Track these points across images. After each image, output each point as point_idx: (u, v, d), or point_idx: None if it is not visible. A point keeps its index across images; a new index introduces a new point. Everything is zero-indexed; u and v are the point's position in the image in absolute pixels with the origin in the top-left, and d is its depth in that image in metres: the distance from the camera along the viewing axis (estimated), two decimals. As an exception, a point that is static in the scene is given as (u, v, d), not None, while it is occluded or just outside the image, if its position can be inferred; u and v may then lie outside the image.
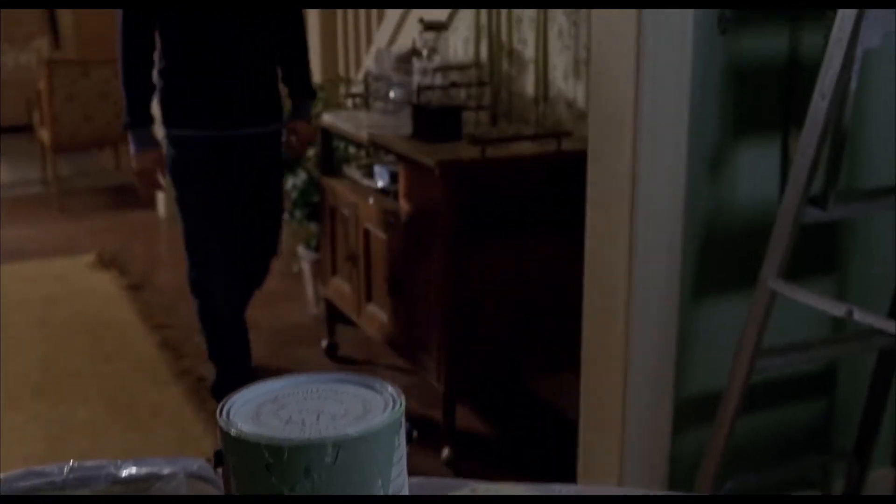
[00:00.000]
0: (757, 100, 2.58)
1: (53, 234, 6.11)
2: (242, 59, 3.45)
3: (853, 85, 2.23)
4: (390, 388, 0.72)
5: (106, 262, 5.45)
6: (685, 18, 2.45)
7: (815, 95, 2.23)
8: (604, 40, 2.62)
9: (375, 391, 0.71)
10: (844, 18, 2.18)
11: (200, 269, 3.58)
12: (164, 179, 3.57)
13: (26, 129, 7.96)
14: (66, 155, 7.24)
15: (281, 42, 3.63)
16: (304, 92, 3.77)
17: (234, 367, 3.58)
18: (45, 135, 6.73)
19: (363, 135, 3.66)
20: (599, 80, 2.64)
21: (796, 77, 2.58)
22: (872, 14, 2.21)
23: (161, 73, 3.45)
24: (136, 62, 3.37)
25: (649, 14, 2.43)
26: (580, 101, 3.40)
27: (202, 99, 3.43)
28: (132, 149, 3.47)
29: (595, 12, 2.68)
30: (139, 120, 3.42)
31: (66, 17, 9.27)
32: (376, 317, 3.75)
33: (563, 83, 3.48)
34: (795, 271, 2.37)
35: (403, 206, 3.47)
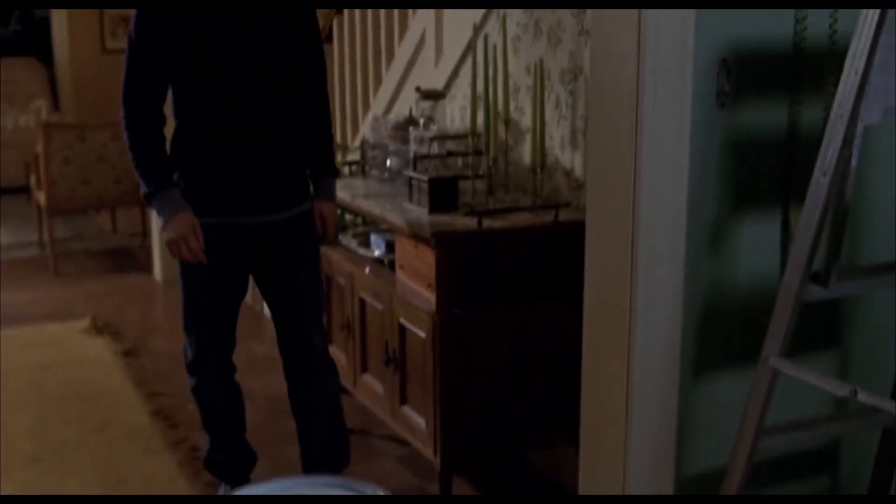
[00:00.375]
0: (756, 173, 2.55)
1: (48, 298, 6.07)
2: (261, 130, 3.03)
3: (854, 162, 2.20)
4: (379, 492, 0.67)
5: (100, 328, 5.40)
6: (684, 92, 2.43)
7: (816, 172, 2.20)
8: (601, 112, 2.60)
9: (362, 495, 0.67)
10: (844, 94, 2.16)
11: (197, 352, 3.23)
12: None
13: (25, 191, 7.95)
14: (63, 217, 7.22)
15: (303, 112, 3.18)
16: (328, 169, 3.30)
17: (227, 439, 3.50)
18: (41, 198, 6.72)
19: (358, 204, 3.64)
20: (597, 152, 2.62)
21: (796, 150, 2.56)
22: (872, 90, 2.19)
23: (172, 149, 3.05)
24: (147, 119, 2.97)
25: (648, 86, 2.41)
26: (578, 171, 3.38)
27: (216, 178, 3.03)
28: (160, 219, 3.01)
29: (592, 83, 2.66)
30: (161, 184, 2.98)
31: (65, 78, 9.31)
32: (372, 387, 3.70)
33: (561, 153, 3.46)
34: (797, 345, 2.33)
35: (400, 276, 3.43)
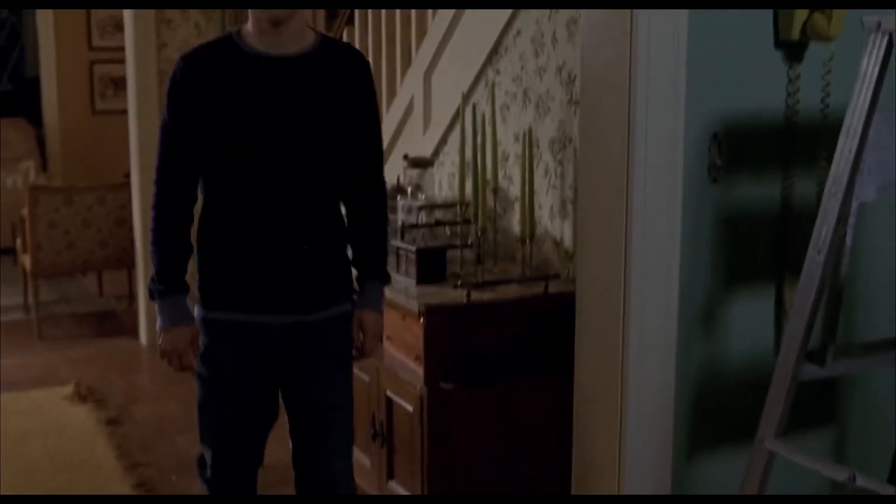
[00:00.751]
0: (749, 248, 2.51)
1: (32, 363, 5.98)
2: (298, 217, 2.63)
3: (849, 240, 2.17)
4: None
5: (83, 395, 5.30)
6: (675, 166, 2.40)
7: (811, 251, 2.16)
8: (591, 186, 2.56)
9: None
10: (838, 172, 2.12)
11: (216, 470, 2.78)
12: (196, 361, 2.72)
13: (11, 252, 7.88)
14: (49, 279, 7.14)
15: (352, 202, 2.78)
16: (376, 272, 2.80)
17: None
18: (26, 261, 6.64)
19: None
20: (587, 227, 2.58)
21: (789, 225, 2.52)
22: (867, 167, 2.16)
23: (198, 235, 2.69)
24: (173, 216, 2.65)
25: (639, 161, 2.38)
26: (567, 241, 3.33)
27: (239, 268, 2.65)
28: (160, 323, 2.68)
29: (582, 155, 2.62)
30: (172, 287, 2.65)
31: (54, 139, 9.27)
32: (359, 460, 3.62)
33: (550, 222, 3.42)
34: (793, 423, 2.27)
35: (387, 347, 3.37)
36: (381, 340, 2.88)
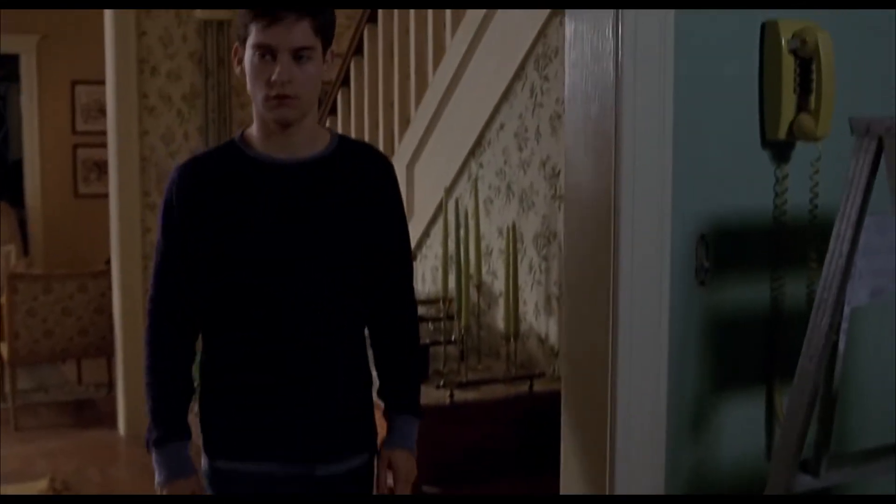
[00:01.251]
0: (739, 352, 2.45)
1: (7, 456, 5.85)
2: (318, 350, 2.30)
3: (842, 347, 2.10)
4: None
5: (58, 489, 5.18)
6: (662, 268, 2.34)
7: (802, 359, 2.10)
8: (577, 288, 2.50)
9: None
10: (829, 277, 2.06)
11: None
12: None
13: (-11, 338, 7.77)
14: (27, 367, 7.03)
15: (376, 325, 2.46)
16: (408, 405, 2.48)
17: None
18: (3, 349, 6.54)
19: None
20: (573, 330, 2.51)
21: (779, 327, 2.46)
22: (858, 271, 2.11)
23: (201, 371, 2.37)
24: (170, 355, 2.32)
25: (625, 264, 2.32)
26: (553, 339, 3.27)
27: (257, 411, 2.30)
28: (158, 476, 2.31)
29: (566, 254, 2.57)
30: (172, 433, 2.31)
31: (36, 223, 9.22)
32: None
33: (535, 319, 3.36)
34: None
35: (368, 448, 3.29)
36: (413, 484, 2.49)
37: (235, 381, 2.31)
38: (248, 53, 2.21)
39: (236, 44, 2.27)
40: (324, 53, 2.26)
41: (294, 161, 2.28)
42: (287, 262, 2.26)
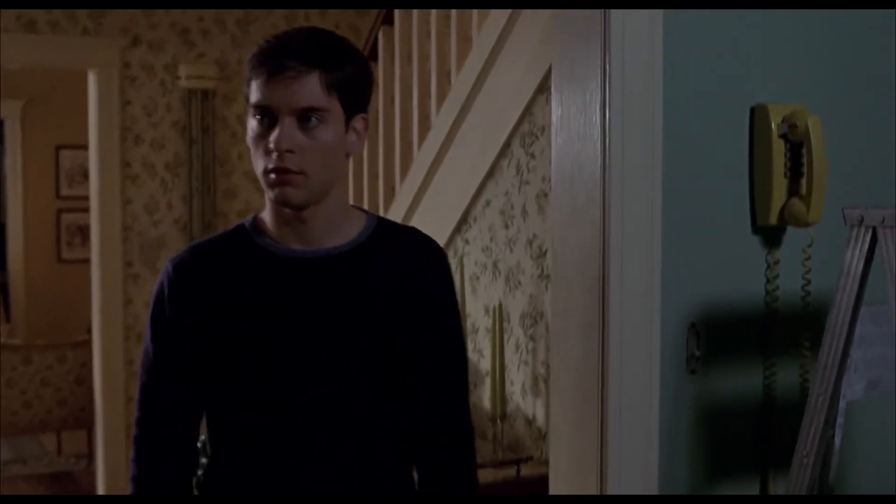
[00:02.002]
0: (732, 442, 2.38)
1: (-18, 531, 5.73)
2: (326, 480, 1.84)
3: (837, 441, 2.05)
4: None
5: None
6: (651, 358, 2.28)
7: (797, 454, 2.04)
8: (564, 368, 2.44)
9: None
10: (825, 371, 2.01)
11: None
12: None
13: (-33, 407, 7.66)
14: (6, 438, 6.92)
15: (423, 464, 1.97)
16: None
17: None
18: (-18, 420, 6.45)
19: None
20: (561, 420, 2.44)
21: (772, 416, 2.40)
22: (853, 363, 2.06)
23: (204, 473, 1.94)
24: (158, 489, 1.88)
25: (614, 354, 2.26)
26: (540, 420, 3.20)
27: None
28: None
29: (553, 338, 2.51)
30: None
31: (18, 288, 9.12)
32: None
33: (522, 399, 3.29)
34: None
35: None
36: None
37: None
38: (249, 117, 1.79)
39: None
40: (348, 119, 1.79)
41: (313, 254, 1.83)
42: (298, 378, 1.82)
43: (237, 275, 1.84)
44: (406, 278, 1.88)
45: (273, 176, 1.74)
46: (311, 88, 1.73)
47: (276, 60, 1.74)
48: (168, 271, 1.86)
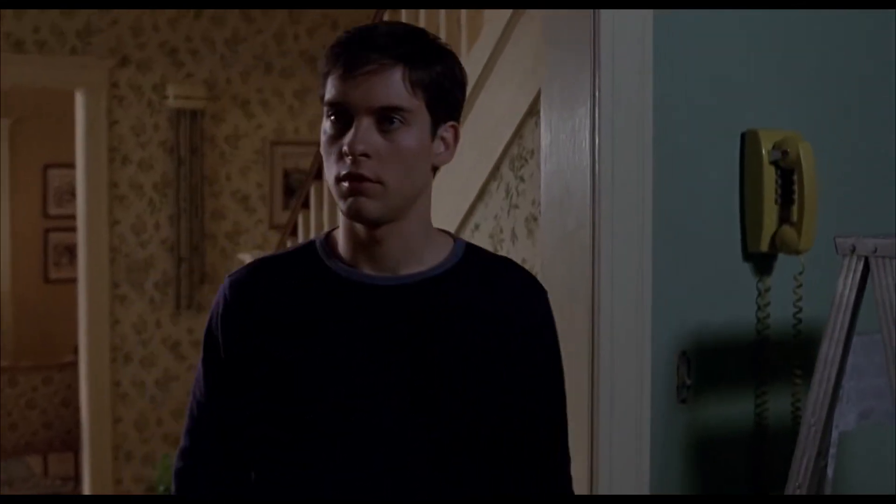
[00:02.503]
0: (723, 472, 2.36)
1: (-34, 555, 5.67)
2: None
3: (830, 472, 2.02)
4: None
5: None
6: (642, 387, 2.25)
7: (790, 485, 2.02)
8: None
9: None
10: (817, 402, 1.99)
11: None
12: None
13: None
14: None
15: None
16: None
17: None
18: (-33, 442, 6.39)
19: None
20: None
21: (765, 446, 2.37)
22: (846, 394, 2.04)
23: None
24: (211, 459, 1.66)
25: (605, 383, 2.23)
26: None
27: None
28: None
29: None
30: None
31: (6, 309, 9.06)
32: None
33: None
34: None
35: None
36: None
37: None
38: (324, 118, 1.56)
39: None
40: (435, 126, 1.55)
41: (391, 282, 1.58)
42: (380, 427, 1.55)
43: (303, 297, 1.59)
44: (506, 313, 1.61)
45: (345, 184, 1.49)
46: (393, 85, 1.50)
47: (355, 52, 1.50)
48: (224, 289, 1.64)
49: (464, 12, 3.56)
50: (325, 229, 1.77)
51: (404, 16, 3.90)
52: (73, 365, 6.30)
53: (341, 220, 1.59)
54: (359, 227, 1.56)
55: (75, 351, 6.49)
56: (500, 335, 1.60)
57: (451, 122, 1.58)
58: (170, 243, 6.18)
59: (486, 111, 3.37)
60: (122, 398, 5.96)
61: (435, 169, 1.60)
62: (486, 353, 1.58)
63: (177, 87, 6.08)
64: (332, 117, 1.52)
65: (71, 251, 8.58)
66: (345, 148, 1.49)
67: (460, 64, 1.59)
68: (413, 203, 1.56)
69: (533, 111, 3.06)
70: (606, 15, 2.18)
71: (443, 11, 3.68)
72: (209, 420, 1.65)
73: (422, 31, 1.59)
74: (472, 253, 1.66)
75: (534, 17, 3.06)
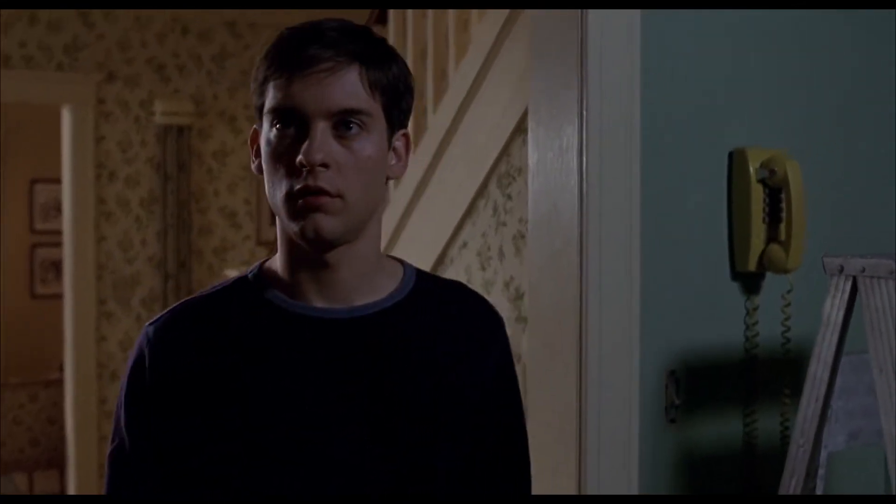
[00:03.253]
0: (712, 492, 2.34)
1: (-50, 574, 5.62)
2: None
3: (819, 493, 2.01)
4: None
5: None
6: (630, 407, 2.24)
7: (779, 507, 2.00)
8: (541, 421, 2.40)
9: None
10: (805, 422, 1.97)
11: None
12: None
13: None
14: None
15: None
16: None
17: None
18: (-48, 460, 6.35)
19: None
20: (537, 462, 2.40)
21: (754, 466, 2.36)
22: (835, 414, 2.02)
23: None
24: None
25: (592, 402, 2.22)
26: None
27: None
28: None
29: (530, 386, 2.47)
30: None
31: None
32: None
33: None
34: None
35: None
36: None
37: None
38: (265, 129, 1.37)
39: (254, 126, 1.43)
40: (390, 134, 1.40)
41: (343, 314, 1.42)
42: (326, 457, 1.39)
43: (239, 331, 1.41)
44: (468, 339, 1.50)
45: (301, 201, 1.32)
46: (351, 85, 1.33)
47: (304, 51, 1.32)
48: (147, 336, 1.40)
49: (451, 28, 3.55)
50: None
51: (392, 29, 3.90)
52: (60, 382, 6.27)
53: (283, 245, 1.42)
54: (306, 251, 1.38)
55: (62, 368, 6.45)
56: (459, 365, 1.48)
57: (403, 131, 1.44)
58: (157, 260, 6.16)
59: (474, 128, 3.37)
60: (108, 416, 5.93)
61: (386, 181, 1.45)
62: (446, 383, 1.46)
63: (164, 103, 6.06)
64: (278, 126, 1.34)
65: (57, 267, 8.55)
66: (300, 158, 1.30)
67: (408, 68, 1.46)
68: (368, 221, 1.40)
69: (521, 128, 3.06)
70: (594, 33, 2.18)
71: (430, 27, 3.68)
72: (132, 486, 1.41)
73: (370, 30, 1.43)
74: (424, 279, 1.52)
75: (521, 34, 3.06)
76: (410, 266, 1.53)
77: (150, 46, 6.13)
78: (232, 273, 5.32)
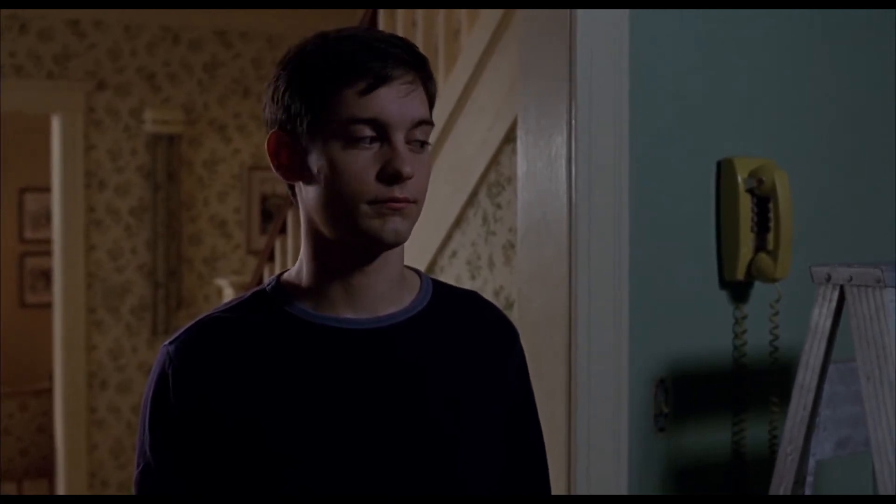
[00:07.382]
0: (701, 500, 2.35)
1: (-62, 584, 5.60)
2: None
3: (808, 501, 2.02)
4: None
5: None
6: (619, 416, 2.25)
7: (768, 515, 2.01)
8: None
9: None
10: (793, 430, 1.98)
11: None
12: None
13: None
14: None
15: None
16: None
17: None
18: (-60, 470, 6.33)
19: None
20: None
21: (743, 474, 2.37)
22: (822, 422, 2.04)
23: None
24: None
25: (581, 412, 2.22)
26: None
27: None
28: None
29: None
30: None
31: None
32: None
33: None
34: None
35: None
36: None
37: None
38: (333, 140, 1.35)
39: (272, 131, 1.40)
40: None
41: (370, 324, 1.41)
42: (362, 482, 1.38)
43: (263, 351, 1.39)
44: (487, 346, 1.51)
45: (386, 206, 1.34)
46: (422, 97, 1.39)
47: (381, 61, 1.34)
48: (169, 355, 1.38)
49: (441, 38, 3.57)
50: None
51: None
52: (49, 391, 6.25)
53: (316, 253, 1.41)
54: (345, 257, 1.39)
55: (51, 377, 6.44)
56: (481, 376, 1.48)
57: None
58: (147, 268, 6.15)
59: (463, 137, 3.38)
60: (98, 424, 5.92)
61: None
62: (472, 396, 1.45)
63: (154, 112, 6.06)
64: (358, 136, 1.34)
65: (47, 275, 8.53)
66: (397, 163, 1.33)
67: None
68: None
69: (510, 138, 3.07)
70: (583, 44, 2.18)
71: (420, 37, 3.69)
72: (166, 481, 1.41)
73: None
74: (440, 288, 1.53)
75: (511, 44, 3.07)
76: (425, 275, 1.55)
77: (140, 55, 6.13)
78: (222, 282, 5.32)
